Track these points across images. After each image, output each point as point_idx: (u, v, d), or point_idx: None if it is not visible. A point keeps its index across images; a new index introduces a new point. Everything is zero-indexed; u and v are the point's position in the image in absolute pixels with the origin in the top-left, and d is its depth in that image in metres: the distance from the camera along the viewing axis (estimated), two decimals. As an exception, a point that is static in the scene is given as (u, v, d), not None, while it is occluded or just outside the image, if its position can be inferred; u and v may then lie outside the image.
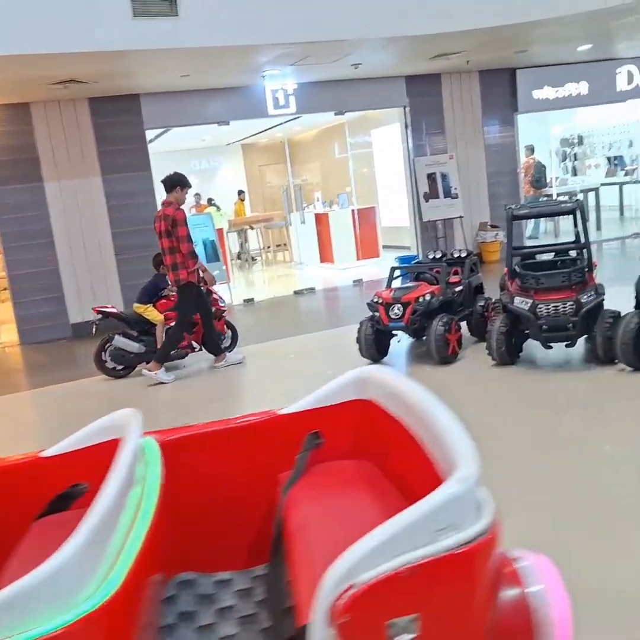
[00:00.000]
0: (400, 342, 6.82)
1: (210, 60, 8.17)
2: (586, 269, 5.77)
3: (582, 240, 5.93)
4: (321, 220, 13.56)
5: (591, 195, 15.17)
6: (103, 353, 7.15)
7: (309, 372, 6.61)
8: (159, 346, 7.01)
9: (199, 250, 11.09)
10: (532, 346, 6.10)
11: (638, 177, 15.15)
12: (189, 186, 6.94)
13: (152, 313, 7.19)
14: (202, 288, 6.93)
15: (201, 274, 6.93)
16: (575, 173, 17.67)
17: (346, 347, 7.05)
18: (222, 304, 7.45)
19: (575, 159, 17.87)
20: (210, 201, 14.41)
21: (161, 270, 7.19)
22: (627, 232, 13.92)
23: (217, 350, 7.17)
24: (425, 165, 11.61)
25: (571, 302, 5.55)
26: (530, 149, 14.43)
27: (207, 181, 18.01)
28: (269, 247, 16.04)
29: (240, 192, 16.79)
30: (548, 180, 14.88)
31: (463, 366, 6.21)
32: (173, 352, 7.03)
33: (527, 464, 4.08)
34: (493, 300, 6.70)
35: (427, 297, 6.27)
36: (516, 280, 5.88)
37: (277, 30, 7.50)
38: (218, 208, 14.27)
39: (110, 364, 7.19)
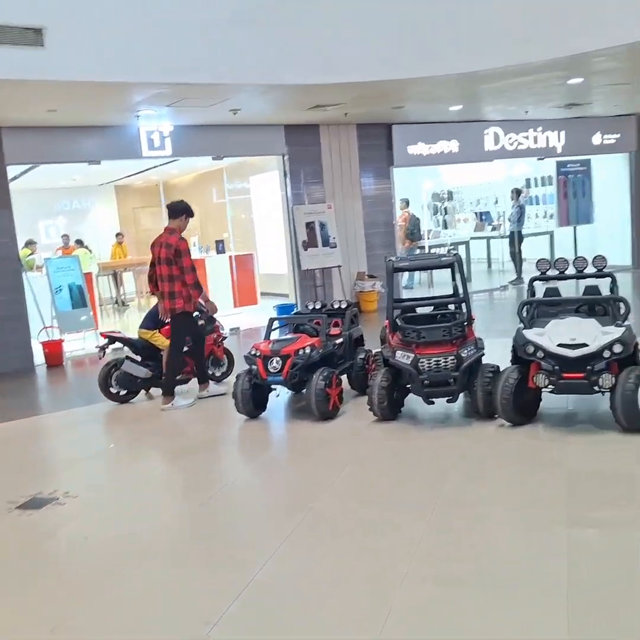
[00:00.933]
0: (279, 396, 6.50)
1: (79, 95, 7.69)
2: (465, 323, 5.73)
3: (461, 293, 5.90)
4: (197, 266, 13.09)
5: (462, 248, 15.69)
6: (109, 378, 7.17)
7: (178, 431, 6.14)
8: (165, 370, 7.08)
9: (64, 295, 10.37)
10: (413, 400, 5.96)
11: (503, 232, 15.83)
12: (193, 215, 7.02)
13: (159, 339, 7.27)
14: (195, 317, 7.08)
15: (203, 303, 7.14)
16: (446, 226, 18.31)
17: (223, 402, 6.64)
18: (223, 331, 7.66)
19: (446, 213, 18.55)
20: (79, 243, 13.64)
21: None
22: (495, 284, 14.44)
23: (204, 378, 7.19)
24: (304, 213, 11.53)
25: (452, 357, 5.49)
26: (406, 202, 14.78)
27: (77, 222, 17.16)
28: (144, 291, 15.37)
29: (119, 234, 16.07)
30: (422, 233, 15.29)
31: (344, 422, 5.98)
32: (178, 377, 7.10)
33: (410, 533, 3.83)
34: (374, 353, 6.57)
35: (307, 350, 6.02)
36: (397, 334, 5.76)
37: (151, 69, 7.16)
38: (89, 250, 13.52)
39: (115, 389, 7.22)
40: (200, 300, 7.03)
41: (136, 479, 5.12)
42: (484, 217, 17.50)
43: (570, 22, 7.63)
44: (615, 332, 5.14)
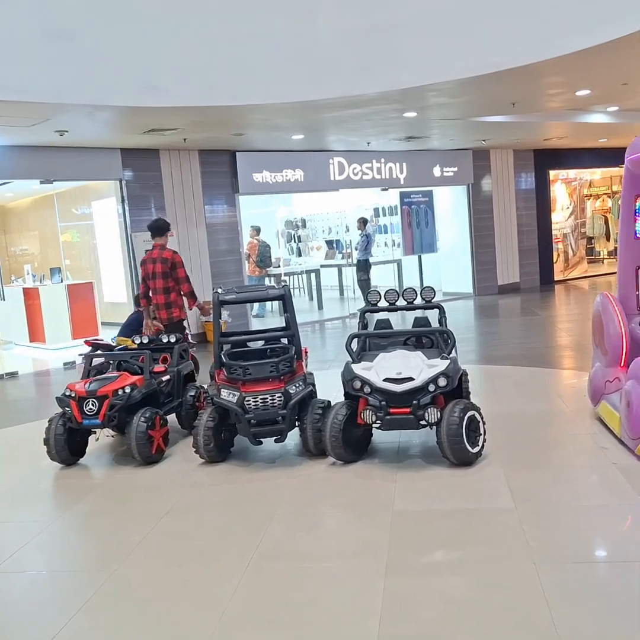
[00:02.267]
0: (99, 440, 5.97)
1: None
2: (295, 357, 5.53)
3: (291, 327, 5.71)
4: (31, 295, 12.22)
5: (314, 276, 15.71)
6: None
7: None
8: None
9: None
10: (245, 439, 5.65)
11: (353, 260, 16.01)
12: (169, 229, 7.60)
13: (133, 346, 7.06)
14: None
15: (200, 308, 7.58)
16: (300, 254, 18.31)
17: (38, 446, 6.01)
18: (190, 339, 7.66)
19: (299, 241, 18.56)
20: None
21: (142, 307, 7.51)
22: (346, 311, 14.53)
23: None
24: (144, 241, 11.01)
25: (279, 394, 5.27)
26: (257, 230, 14.59)
27: None
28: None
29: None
30: (274, 260, 15.14)
31: (169, 466, 5.58)
32: None
33: (220, 594, 3.48)
34: (205, 389, 6.21)
35: (127, 390, 5.57)
36: (223, 370, 5.46)
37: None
38: None
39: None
40: (195, 306, 7.54)
41: None
42: (334, 245, 17.67)
43: (403, 55, 7.74)
44: (440, 365, 5.11)
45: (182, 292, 7.41)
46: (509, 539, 3.87)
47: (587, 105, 11.42)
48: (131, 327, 7.69)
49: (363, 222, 14.97)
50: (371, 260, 14.77)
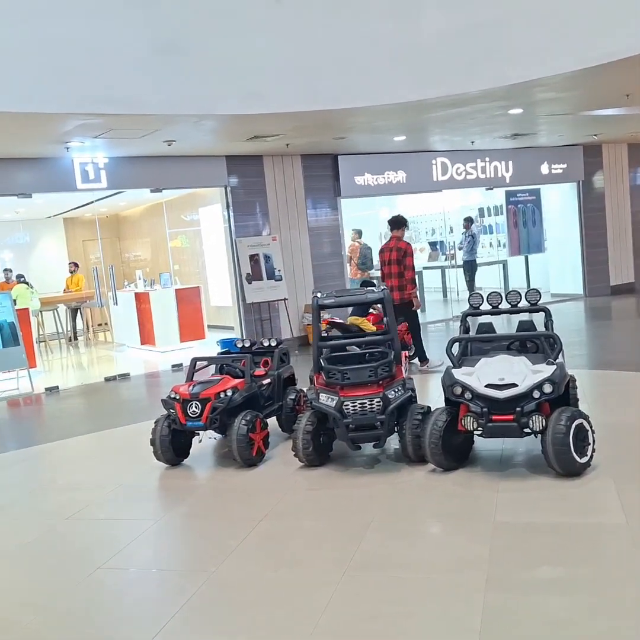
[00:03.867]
0: (202, 441, 6.10)
1: (1, 125, 7.31)
2: (394, 362, 5.44)
3: (390, 331, 5.63)
4: (142, 299, 12.71)
5: (417, 277, 15.50)
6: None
7: (93, 483, 5.69)
8: None
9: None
10: (344, 443, 5.62)
11: (456, 262, 15.70)
12: (408, 226, 9.26)
13: (367, 325, 8.56)
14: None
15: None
16: (403, 256, 18.17)
17: (146, 446, 6.22)
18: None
19: (402, 243, 18.42)
20: (19, 278, 13.12)
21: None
22: (449, 314, 14.26)
23: (423, 355, 8.74)
24: (248, 246, 11.24)
25: (378, 399, 5.21)
26: (358, 233, 14.59)
27: (23, 256, 16.62)
28: (90, 327, 14.88)
29: (71, 264, 15.45)
30: (376, 263, 15.09)
31: (269, 469, 5.62)
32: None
33: (314, 602, 3.45)
34: (305, 392, 6.24)
35: (229, 393, 5.66)
36: (322, 375, 5.45)
37: (72, 99, 6.82)
38: (29, 286, 13.00)
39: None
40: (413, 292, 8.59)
41: None
42: (438, 247, 17.39)
43: (507, 51, 7.50)
44: (545, 370, 4.91)
45: (406, 277, 8.60)
46: (618, 559, 3.63)
47: None
48: (362, 308, 8.71)
49: (468, 220, 14.66)
50: (477, 261, 14.44)
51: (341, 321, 8.51)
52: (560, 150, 14.37)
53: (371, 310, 8.91)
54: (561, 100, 9.30)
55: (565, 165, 14.52)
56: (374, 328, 8.59)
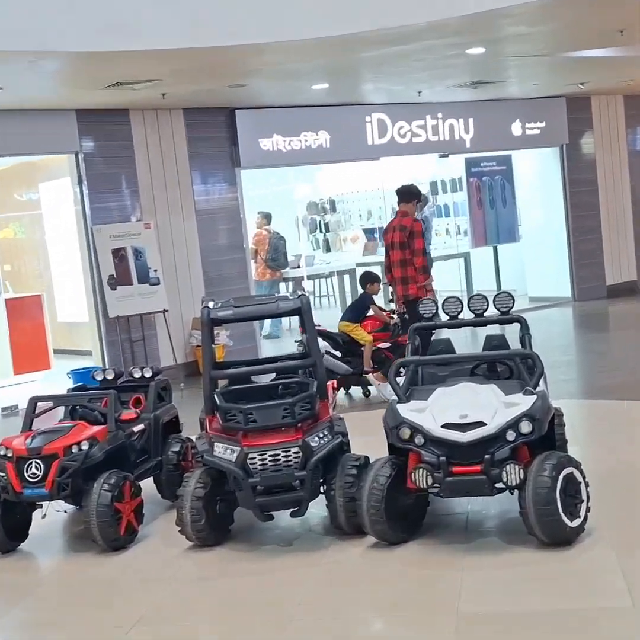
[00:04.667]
0: (46, 516, 5.95)
1: None
2: (318, 396, 5.51)
3: (312, 353, 5.68)
4: (-42, 314, 12.36)
5: (348, 278, 15.68)
6: None
7: None
8: (365, 368, 9.05)
9: None
10: (249, 512, 5.61)
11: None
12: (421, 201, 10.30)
13: (360, 333, 9.14)
14: None
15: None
16: (328, 248, 18.33)
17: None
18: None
19: (327, 231, 18.59)
20: None
21: (368, 288, 9.47)
22: (393, 327, 14.46)
23: None
24: (111, 237, 11.11)
25: (296, 449, 5.25)
26: (266, 217, 14.64)
27: None
28: None
29: None
30: (291, 259, 15.15)
31: (144, 553, 5.60)
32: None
33: None
34: (194, 442, 6.20)
35: (84, 446, 5.59)
36: (217, 417, 5.47)
37: None
38: None
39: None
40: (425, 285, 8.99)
41: None
42: (375, 235, 17.63)
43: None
44: (522, 403, 5.04)
45: (415, 266, 8.92)
46: (627, 656, 3.75)
47: None
48: (355, 310, 9.41)
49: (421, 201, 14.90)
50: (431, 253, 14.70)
51: (323, 328, 8.83)
52: (537, 105, 14.81)
53: (370, 312, 9.36)
54: (535, 37, 9.61)
55: (543, 124, 14.96)
56: (369, 338, 9.05)
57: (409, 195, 9.43)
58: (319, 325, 8.72)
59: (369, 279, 9.56)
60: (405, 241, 9.00)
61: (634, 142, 16.26)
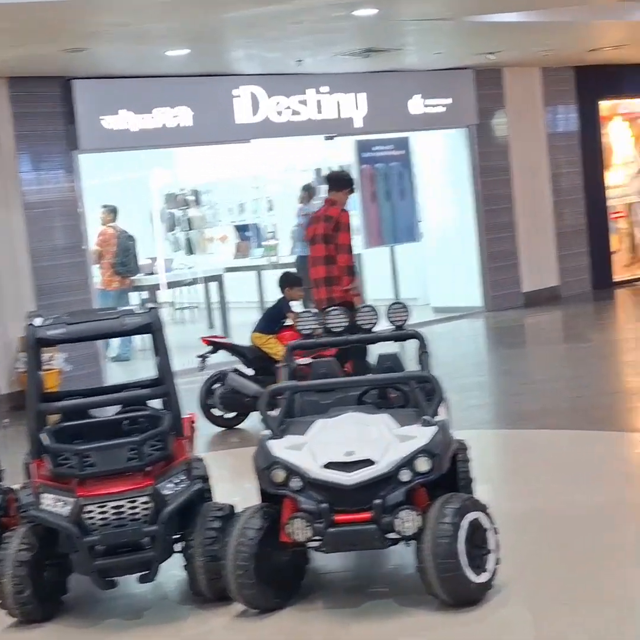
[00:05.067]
0: None
1: None
2: (172, 433, 5.50)
3: (165, 381, 5.66)
4: None
5: (215, 286, 15.67)
6: (211, 396, 9.17)
7: None
8: None
9: None
10: (87, 579, 5.54)
11: (284, 257, 15.96)
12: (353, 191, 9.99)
13: (273, 346, 9.21)
14: None
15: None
16: (191, 250, 18.25)
17: None
18: None
19: (190, 228, 18.51)
20: None
21: (287, 293, 9.63)
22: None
23: None
24: None
25: (145, 498, 5.21)
26: (112, 212, 14.49)
27: None
28: None
29: None
30: (144, 263, 15.02)
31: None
32: None
33: None
34: (16, 492, 6.08)
35: None
36: (46, 460, 5.38)
37: None
38: None
39: (218, 411, 9.23)
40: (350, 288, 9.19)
41: None
42: (249, 233, 17.67)
43: None
44: (419, 435, 5.11)
45: (338, 264, 9.10)
46: None
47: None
48: (270, 319, 9.50)
49: (309, 190, 14.99)
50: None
51: (229, 341, 9.11)
52: (440, 77, 15.14)
53: (288, 321, 9.38)
54: (436, -2, 9.85)
55: (448, 101, 15.31)
56: (282, 350, 8.93)
57: (339, 182, 9.73)
58: (224, 337, 9.31)
59: (288, 281, 9.67)
60: (330, 234, 9.17)
61: (553, 122, 16.75)
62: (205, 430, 8.75)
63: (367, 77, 14.39)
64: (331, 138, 14.72)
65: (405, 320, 5.94)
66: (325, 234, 9.20)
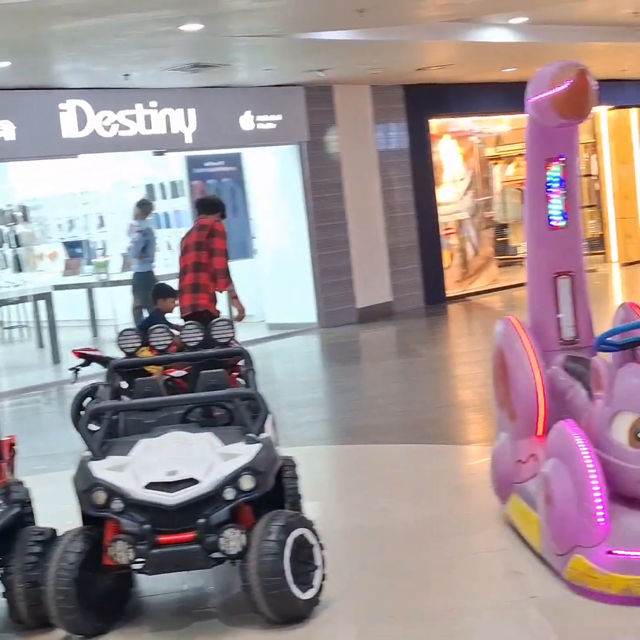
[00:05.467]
0: None
1: None
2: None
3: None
4: None
5: (43, 304, 15.37)
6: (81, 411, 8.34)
7: None
8: None
9: None
10: None
11: (107, 276, 15.77)
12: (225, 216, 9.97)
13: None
14: None
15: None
16: (19, 267, 17.84)
17: None
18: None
19: (17, 245, 18.10)
20: None
21: (159, 304, 9.23)
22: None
23: None
24: None
25: None
26: None
27: None
28: None
29: None
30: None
31: None
32: None
33: None
34: None
35: None
36: None
37: None
38: None
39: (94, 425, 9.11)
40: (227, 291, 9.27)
41: None
42: (79, 250, 17.41)
43: None
44: (243, 453, 5.11)
45: (215, 269, 9.21)
46: None
47: (478, 15, 12.05)
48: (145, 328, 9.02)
49: (145, 206, 14.83)
50: (157, 272, 14.71)
51: (100, 354, 8.85)
52: (271, 94, 15.26)
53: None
54: (263, 14, 9.92)
55: (279, 117, 15.44)
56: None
57: (209, 207, 9.92)
58: (95, 350, 9.09)
59: (161, 293, 9.53)
60: (203, 241, 9.36)
61: (384, 139, 17.04)
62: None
63: (196, 93, 14.40)
64: (161, 154, 14.67)
65: (231, 337, 5.96)
66: (198, 241, 9.36)
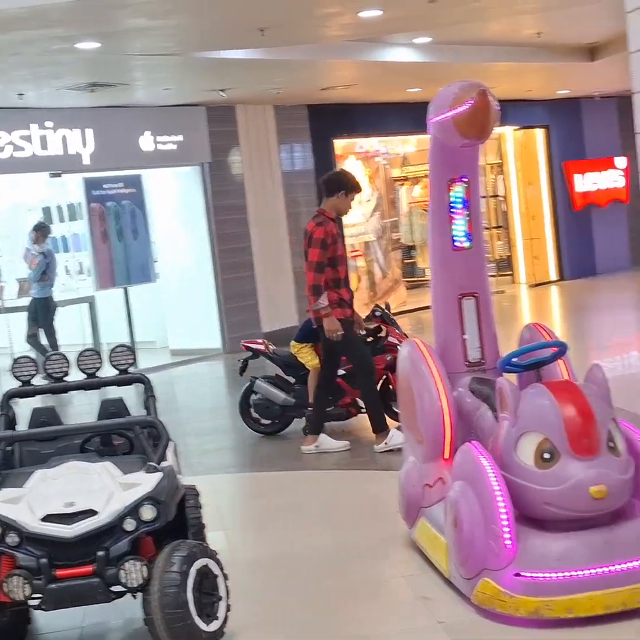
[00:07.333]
0: None
1: None
2: None
3: None
4: None
5: None
6: (248, 402, 9.75)
7: None
8: (311, 399, 9.24)
9: None
10: None
11: (5, 300, 15.58)
12: (359, 190, 9.27)
13: (305, 355, 9.38)
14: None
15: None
16: None
17: None
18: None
19: None
20: None
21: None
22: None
23: (378, 423, 8.84)
24: None
25: None
26: None
27: None
28: None
29: None
30: None
31: None
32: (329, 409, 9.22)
33: None
34: None
35: None
36: None
37: None
38: None
39: (255, 416, 9.78)
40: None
41: None
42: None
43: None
44: (144, 482, 5.08)
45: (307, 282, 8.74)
46: None
47: (382, 34, 12.21)
48: (307, 329, 9.34)
49: (42, 229, 14.66)
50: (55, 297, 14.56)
51: (265, 347, 9.88)
52: (171, 114, 15.30)
53: None
54: (161, 32, 9.96)
55: (179, 138, 15.47)
56: (315, 362, 9.22)
57: (330, 185, 8.92)
58: (262, 342, 10.10)
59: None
60: (305, 250, 8.79)
61: (289, 160, 17.15)
62: None
63: (94, 113, 14.32)
64: (58, 175, 14.50)
65: (131, 363, 5.93)
66: (304, 249, 8.79)
